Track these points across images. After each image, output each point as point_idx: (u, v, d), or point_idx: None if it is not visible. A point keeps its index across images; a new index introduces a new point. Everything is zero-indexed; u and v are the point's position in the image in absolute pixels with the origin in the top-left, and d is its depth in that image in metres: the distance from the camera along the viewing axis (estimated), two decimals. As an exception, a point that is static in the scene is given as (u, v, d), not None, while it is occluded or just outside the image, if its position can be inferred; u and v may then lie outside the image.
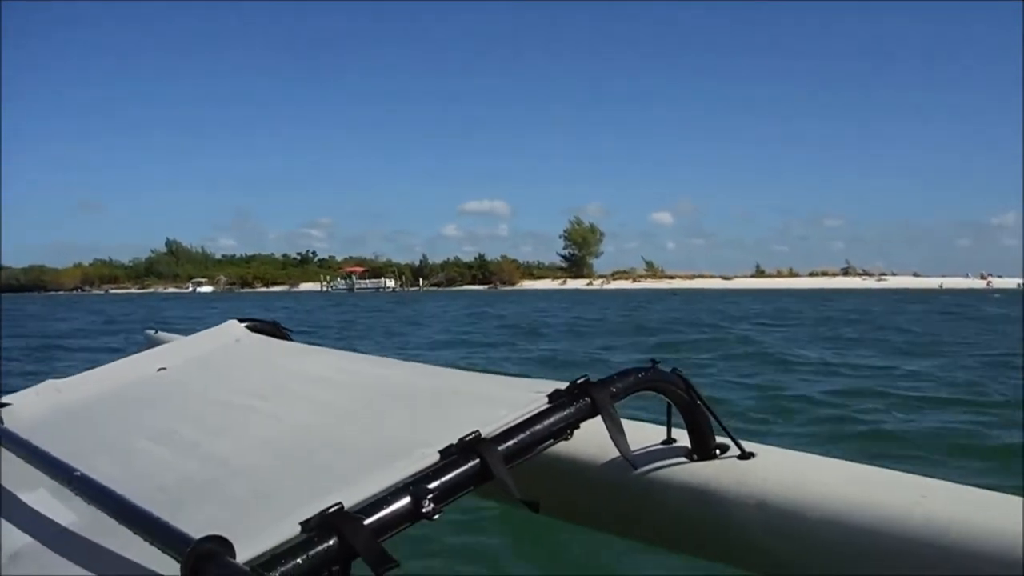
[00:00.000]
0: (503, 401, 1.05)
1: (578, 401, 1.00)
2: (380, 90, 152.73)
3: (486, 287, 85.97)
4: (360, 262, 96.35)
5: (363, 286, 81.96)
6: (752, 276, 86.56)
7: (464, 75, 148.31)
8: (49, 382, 1.54)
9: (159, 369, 1.58)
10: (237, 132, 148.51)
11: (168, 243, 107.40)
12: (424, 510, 0.85)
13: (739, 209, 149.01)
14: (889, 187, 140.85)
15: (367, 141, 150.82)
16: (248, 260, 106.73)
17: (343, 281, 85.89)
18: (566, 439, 1.01)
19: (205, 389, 1.45)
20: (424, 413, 1.13)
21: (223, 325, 1.76)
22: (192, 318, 24.82)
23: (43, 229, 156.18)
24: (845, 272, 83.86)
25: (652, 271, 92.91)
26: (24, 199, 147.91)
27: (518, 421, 0.98)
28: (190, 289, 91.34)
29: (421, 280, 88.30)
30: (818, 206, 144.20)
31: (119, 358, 1.66)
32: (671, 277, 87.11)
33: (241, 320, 1.78)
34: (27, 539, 0.98)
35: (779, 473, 1.00)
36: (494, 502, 1.05)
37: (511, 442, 0.95)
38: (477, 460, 0.91)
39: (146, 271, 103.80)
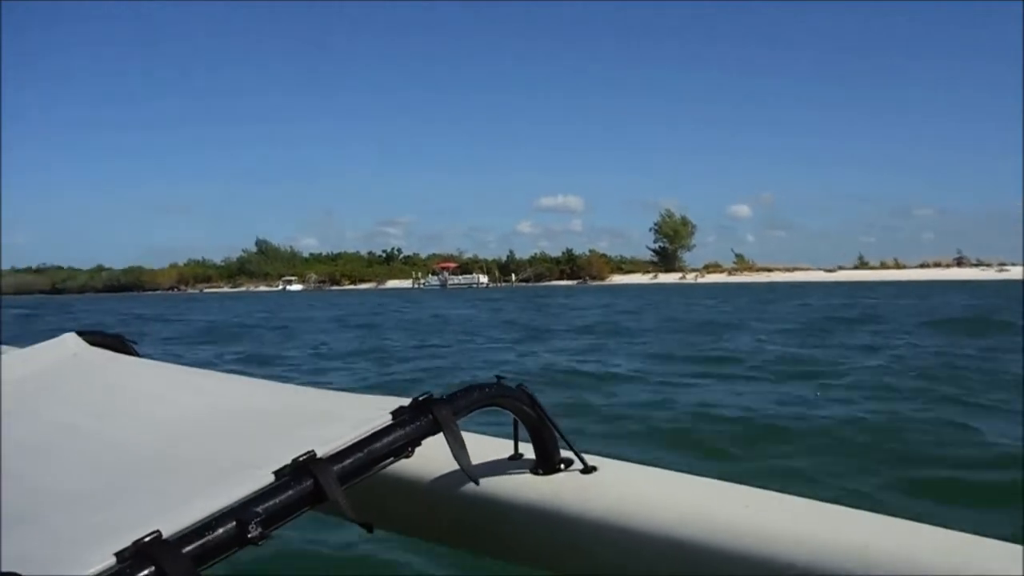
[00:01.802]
0: (345, 419, 1.04)
1: (420, 418, 1.01)
2: (453, 87, 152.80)
3: (575, 282, 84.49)
4: (446, 258, 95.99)
5: (455, 282, 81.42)
6: (855, 268, 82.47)
7: (537, 70, 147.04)
8: None
9: None
10: (317, 136, 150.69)
11: (258, 243, 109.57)
12: (251, 535, 0.83)
13: (819, 200, 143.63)
14: (982, 175, 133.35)
15: (440, 139, 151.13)
16: (334, 258, 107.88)
17: (435, 277, 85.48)
18: (407, 456, 1.02)
19: (30, 409, 1.34)
20: (262, 433, 1.10)
21: (59, 338, 1.59)
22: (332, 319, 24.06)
23: (139, 231, 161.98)
24: (959, 262, 78.95)
25: (743, 264, 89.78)
26: (120, 203, 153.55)
27: (357, 439, 0.98)
28: (280, 287, 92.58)
29: (513, 276, 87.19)
30: (904, 196, 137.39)
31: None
32: (768, 270, 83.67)
33: (80, 332, 1.62)
34: None
35: (619, 486, 1.04)
36: (333, 519, 1.12)
37: (347, 461, 0.95)
38: (311, 481, 0.90)
39: (238, 270, 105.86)
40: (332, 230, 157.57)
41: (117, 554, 0.78)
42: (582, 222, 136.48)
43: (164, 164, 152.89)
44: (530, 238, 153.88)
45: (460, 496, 1.11)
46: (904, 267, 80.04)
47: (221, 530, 0.83)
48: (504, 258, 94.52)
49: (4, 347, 1.86)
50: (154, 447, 1.12)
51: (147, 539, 0.79)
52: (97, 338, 1.67)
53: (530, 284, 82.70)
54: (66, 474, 1.08)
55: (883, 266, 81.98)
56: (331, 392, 1.29)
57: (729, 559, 0.91)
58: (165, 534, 0.81)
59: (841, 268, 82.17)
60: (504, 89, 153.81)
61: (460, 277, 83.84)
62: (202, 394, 1.33)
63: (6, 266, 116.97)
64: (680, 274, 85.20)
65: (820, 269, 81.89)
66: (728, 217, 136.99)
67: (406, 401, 1.05)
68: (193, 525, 0.83)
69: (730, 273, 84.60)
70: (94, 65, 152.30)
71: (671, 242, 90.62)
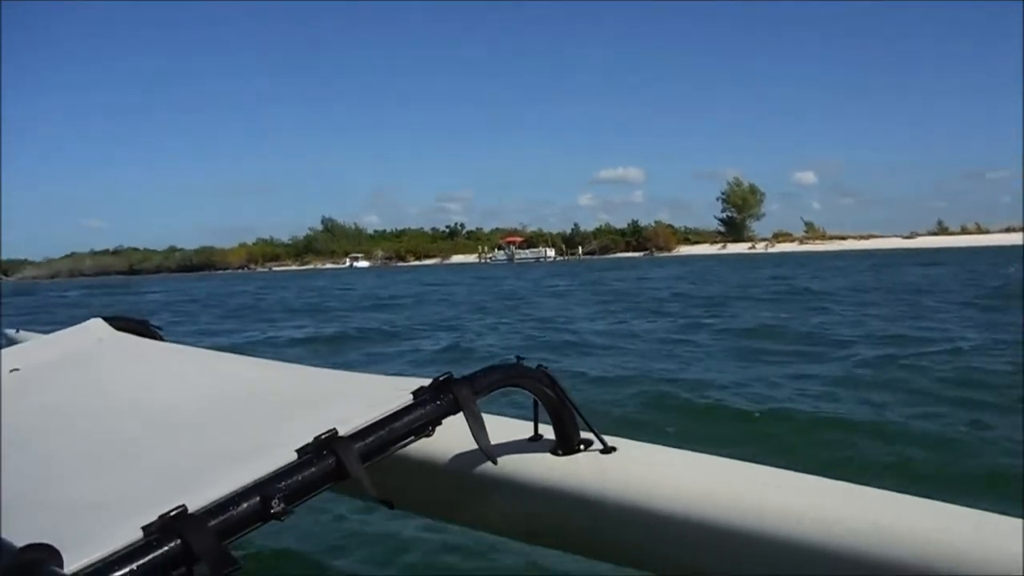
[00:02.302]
0: (366, 399, 1.05)
1: (440, 398, 1.00)
2: (508, 60, 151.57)
3: (641, 254, 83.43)
4: (509, 233, 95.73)
5: (522, 256, 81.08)
6: (934, 234, 79.51)
7: (592, 42, 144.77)
8: None
9: (11, 371, 1.50)
10: (372, 112, 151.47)
11: (324, 221, 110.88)
12: (273, 510, 0.84)
13: (885, 165, 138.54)
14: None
15: (494, 113, 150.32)
16: (398, 235, 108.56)
17: (502, 252, 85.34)
18: (427, 436, 1.02)
19: (58, 391, 1.38)
20: (284, 413, 1.11)
21: (86, 323, 1.67)
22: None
23: (207, 212, 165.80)
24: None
25: (813, 232, 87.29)
26: (190, 184, 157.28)
27: (378, 419, 0.98)
28: (347, 264, 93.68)
29: (580, 249, 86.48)
30: (976, 158, 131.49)
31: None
32: (842, 238, 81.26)
33: (106, 318, 1.69)
34: None
35: (638, 466, 1.03)
36: (352, 498, 1.13)
37: (369, 439, 0.95)
38: (333, 458, 0.91)
39: (305, 248, 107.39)
40: (393, 207, 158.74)
41: (144, 528, 0.80)
42: (643, 193, 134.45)
43: (227, 145, 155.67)
44: (590, 211, 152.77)
45: (479, 476, 1.09)
46: (986, 231, 76.85)
47: (245, 505, 0.84)
48: (569, 231, 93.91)
49: (30, 333, 1.95)
50: (178, 427, 1.13)
51: (173, 513, 0.80)
52: (122, 323, 1.72)
53: (596, 257, 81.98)
54: (93, 453, 1.09)
55: (964, 231, 78.82)
56: (353, 373, 1.30)
57: (751, 539, 0.90)
58: (191, 509, 0.82)
59: (915, 234, 79.32)
60: (558, 62, 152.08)
61: (527, 251, 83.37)
62: (225, 376, 1.36)
63: (85, 249, 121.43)
64: (749, 243, 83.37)
65: (896, 236, 79.22)
66: (793, 184, 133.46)
67: (427, 381, 1.05)
68: (218, 500, 0.84)
69: (801, 242, 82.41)
70: (154, 49, 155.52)
71: (739, 211, 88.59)
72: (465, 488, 1.13)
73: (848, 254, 57.78)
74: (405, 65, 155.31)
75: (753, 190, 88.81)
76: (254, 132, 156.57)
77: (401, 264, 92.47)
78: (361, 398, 1.06)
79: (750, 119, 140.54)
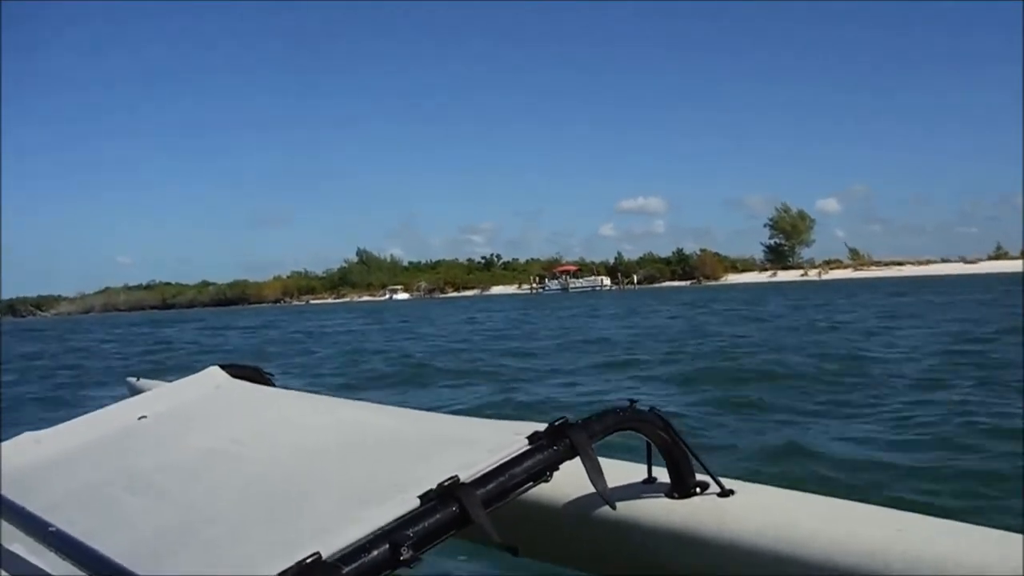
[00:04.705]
0: (482, 444, 1.06)
1: (557, 443, 1.01)
2: (527, 90, 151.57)
3: (688, 283, 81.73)
4: (549, 264, 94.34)
5: (577, 286, 79.47)
6: (992, 259, 77.35)
7: (612, 70, 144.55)
8: (28, 434, 1.52)
9: (140, 418, 1.60)
10: (391, 145, 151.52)
11: (359, 252, 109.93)
12: (403, 557, 0.85)
13: (911, 192, 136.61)
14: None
15: (516, 143, 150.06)
16: (433, 266, 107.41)
17: (555, 281, 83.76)
18: (545, 481, 1.02)
19: (184, 437, 1.47)
20: (403, 458, 1.13)
21: (205, 372, 1.78)
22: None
23: (236, 247, 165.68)
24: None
25: (858, 259, 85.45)
26: (213, 219, 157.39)
27: (497, 464, 0.99)
28: (387, 296, 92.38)
29: (635, 278, 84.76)
30: (1005, 184, 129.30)
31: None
32: (899, 263, 79.24)
33: (223, 366, 1.80)
34: None
35: (759, 510, 1.00)
36: (474, 544, 1.15)
37: (490, 486, 0.96)
38: (456, 505, 0.92)
39: (340, 280, 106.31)
40: (416, 238, 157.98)
41: (280, 574, 0.81)
42: (664, 223, 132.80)
43: (252, 180, 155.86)
44: (612, 241, 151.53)
45: (596, 520, 1.08)
46: (1050, 256, 74.56)
47: (376, 552, 0.84)
48: (612, 260, 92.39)
49: (151, 381, 1.99)
50: (301, 471, 1.17)
51: (308, 560, 0.82)
52: (237, 370, 1.77)
53: (641, 286, 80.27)
54: (221, 497, 1.13)
55: (1024, 256, 76.58)
56: (464, 418, 1.32)
57: None
58: (324, 555, 0.83)
59: (976, 259, 77.15)
60: (575, 92, 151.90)
61: (582, 280, 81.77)
62: (340, 421, 1.40)
63: (118, 284, 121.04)
64: (801, 271, 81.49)
65: (959, 260, 77.09)
66: (816, 212, 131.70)
67: (540, 426, 1.05)
68: (348, 547, 0.85)
69: (855, 268, 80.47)
70: (185, 80, 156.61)
71: (788, 238, 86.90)
72: (583, 533, 1.12)
73: (909, 280, 55.90)
74: (424, 98, 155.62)
75: (803, 216, 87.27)
76: (270, 162, 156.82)
77: (441, 296, 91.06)
78: (478, 443, 1.07)
79: (769, 147, 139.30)
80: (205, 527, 1.03)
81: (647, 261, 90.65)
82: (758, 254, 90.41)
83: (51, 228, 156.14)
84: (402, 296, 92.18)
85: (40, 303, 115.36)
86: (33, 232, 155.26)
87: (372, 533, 0.88)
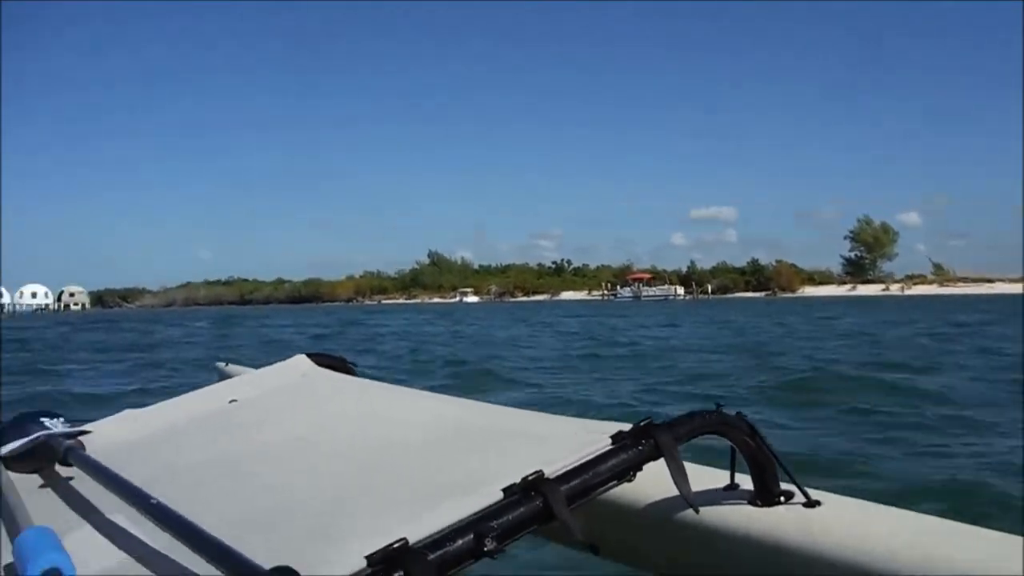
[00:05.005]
0: (565, 441, 1.06)
1: (642, 443, 1.01)
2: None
3: (763, 294, 79.94)
4: (620, 271, 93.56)
5: (649, 294, 78.70)
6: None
7: (687, 78, 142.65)
8: (128, 411, 1.62)
9: (230, 401, 1.65)
10: (469, 150, 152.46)
11: (431, 255, 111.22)
12: (487, 548, 0.86)
13: (995, 204, 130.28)
14: None
15: (589, 151, 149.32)
16: (503, 270, 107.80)
17: (627, 289, 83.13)
18: (628, 481, 1.02)
19: (272, 422, 1.51)
20: (487, 451, 1.14)
21: (291, 360, 1.83)
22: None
23: (307, 244, 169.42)
24: None
25: (942, 274, 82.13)
26: (290, 221, 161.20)
27: (581, 462, 0.99)
28: (456, 299, 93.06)
29: (709, 288, 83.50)
30: None
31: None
32: (989, 280, 75.87)
33: (309, 355, 1.84)
34: (104, 563, 1.03)
35: (845, 523, 0.98)
36: (553, 542, 1.14)
37: (574, 482, 0.96)
38: (540, 500, 0.92)
39: (411, 281, 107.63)
40: (485, 243, 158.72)
41: (368, 557, 0.83)
42: (736, 232, 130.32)
43: (319, 184, 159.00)
44: (682, 250, 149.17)
45: (677, 524, 1.07)
46: None
47: (461, 541, 0.86)
48: (685, 269, 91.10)
49: (238, 366, 2.03)
50: (385, 460, 1.19)
51: (395, 545, 0.84)
52: (323, 359, 1.83)
53: (714, 296, 78.90)
54: (308, 482, 1.16)
55: None
56: (548, 415, 1.32)
57: None
58: (410, 541, 0.85)
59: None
60: (652, 101, 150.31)
61: (654, 289, 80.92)
62: (423, 412, 1.42)
63: (198, 279, 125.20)
64: (883, 285, 78.85)
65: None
66: (896, 225, 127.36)
67: (624, 426, 1.06)
68: (435, 534, 0.87)
69: (941, 284, 77.44)
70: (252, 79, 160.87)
71: (869, 250, 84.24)
72: (665, 536, 1.10)
73: (1001, 298, 53.01)
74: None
75: (886, 229, 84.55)
76: (343, 167, 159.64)
77: (511, 300, 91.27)
78: (561, 440, 1.08)
79: (846, 158, 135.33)
80: (293, 511, 1.05)
81: (720, 271, 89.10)
82: (833, 266, 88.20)
83: (126, 221, 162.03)
84: (472, 299, 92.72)
85: (126, 295, 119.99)
86: (119, 224, 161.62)
87: (457, 523, 0.89)
